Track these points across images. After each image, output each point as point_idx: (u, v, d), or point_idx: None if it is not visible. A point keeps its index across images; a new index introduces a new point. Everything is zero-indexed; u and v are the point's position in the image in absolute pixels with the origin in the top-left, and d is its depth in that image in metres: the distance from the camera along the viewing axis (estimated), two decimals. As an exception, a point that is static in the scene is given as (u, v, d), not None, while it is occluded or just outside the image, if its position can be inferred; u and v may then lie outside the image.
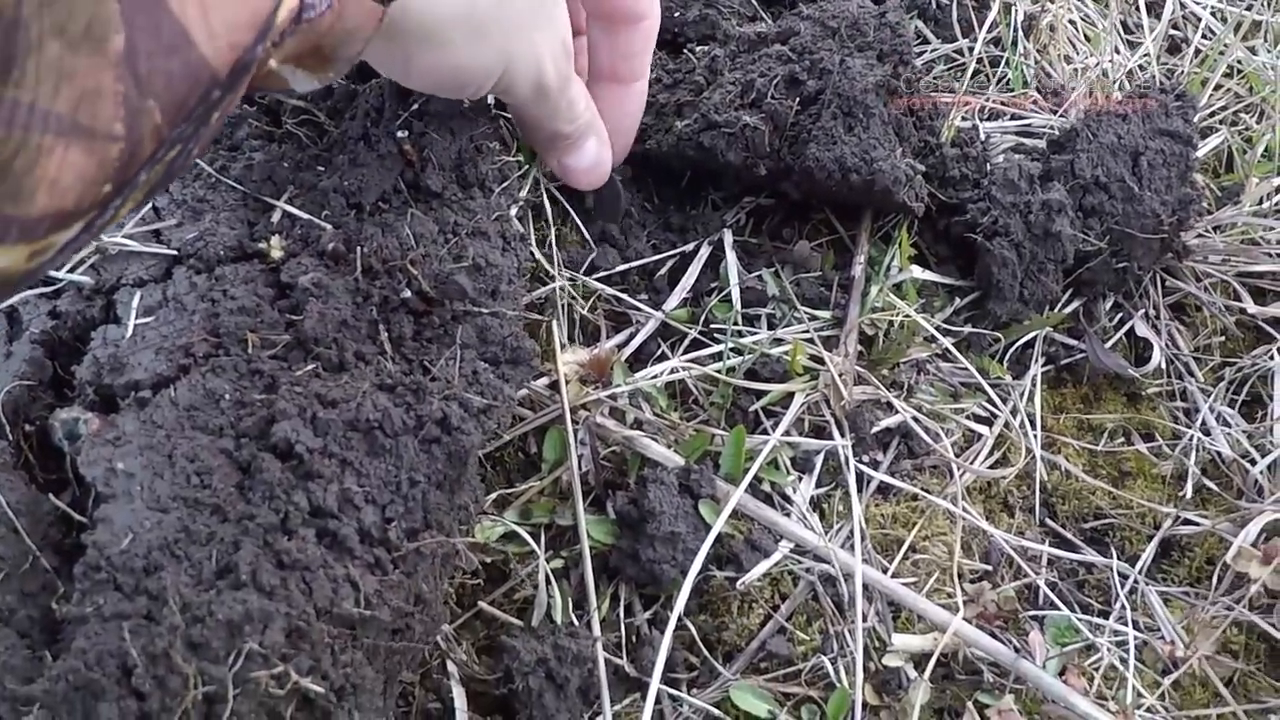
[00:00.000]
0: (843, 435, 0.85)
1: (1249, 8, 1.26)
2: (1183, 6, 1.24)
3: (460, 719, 0.74)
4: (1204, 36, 1.23)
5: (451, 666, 0.76)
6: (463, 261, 0.74)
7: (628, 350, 0.89)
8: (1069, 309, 0.96)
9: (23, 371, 0.75)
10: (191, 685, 0.55)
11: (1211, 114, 1.14)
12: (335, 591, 0.59)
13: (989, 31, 1.12)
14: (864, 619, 0.77)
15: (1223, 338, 1.00)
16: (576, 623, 0.77)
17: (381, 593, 0.60)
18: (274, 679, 0.56)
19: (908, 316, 0.89)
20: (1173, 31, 1.23)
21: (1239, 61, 1.18)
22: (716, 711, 0.75)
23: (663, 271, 0.94)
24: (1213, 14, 1.25)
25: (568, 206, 0.93)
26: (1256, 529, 0.84)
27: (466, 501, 0.69)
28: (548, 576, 0.78)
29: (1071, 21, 1.15)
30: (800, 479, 0.84)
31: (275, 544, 0.59)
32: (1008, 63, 1.10)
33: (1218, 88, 1.15)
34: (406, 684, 0.76)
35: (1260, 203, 1.05)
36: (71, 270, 0.79)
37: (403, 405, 0.66)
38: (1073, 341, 0.96)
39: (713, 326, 0.90)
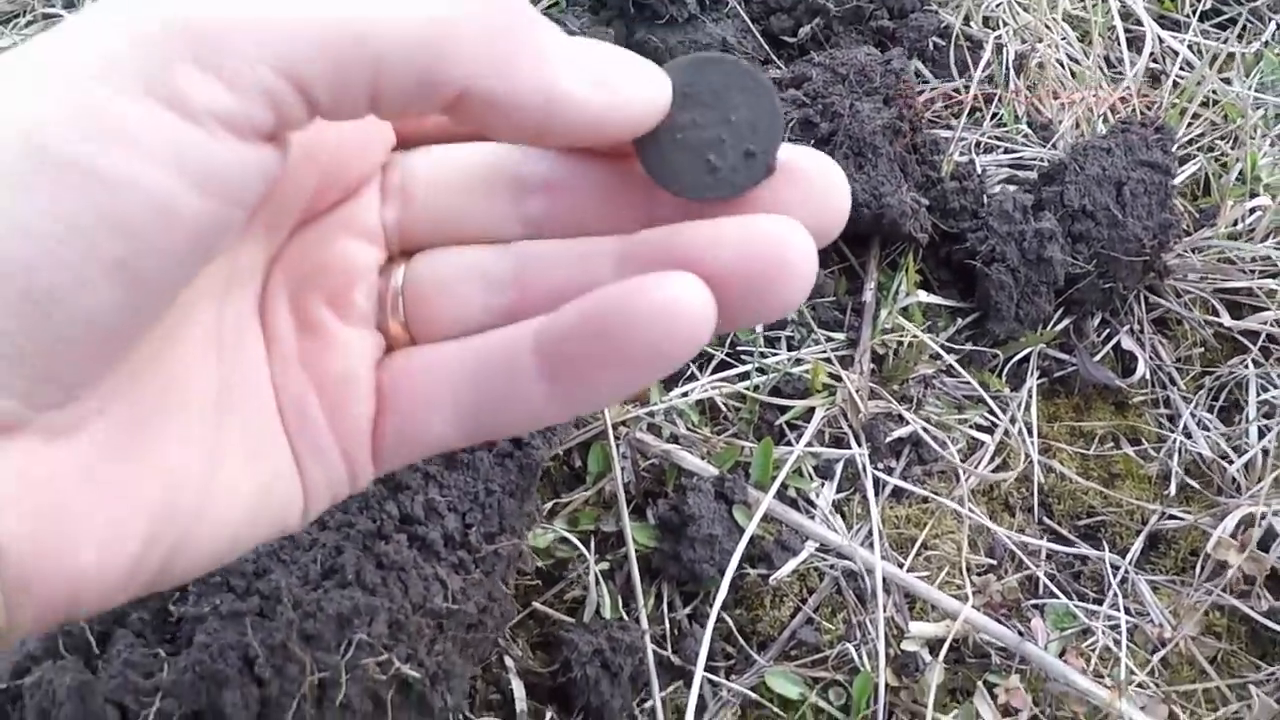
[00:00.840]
0: (860, 445, 0.94)
1: (1224, 41, 1.35)
2: (1161, 41, 1.33)
3: (520, 706, 0.82)
4: (1182, 69, 1.31)
5: (509, 661, 0.85)
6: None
7: (661, 371, 0.97)
8: (1060, 326, 1.05)
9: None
10: (308, 672, 0.63)
11: (1190, 141, 1.23)
12: (427, 589, 0.67)
13: (983, 70, 1.21)
14: (883, 609, 0.86)
15: (1202, 349, 1.08)
16: (626, 617, 0.85)
17: (465, 589, 0.69)
18: (379, 666, 0.64)
19: (915, 337, 0.98)
20: (1153, 65, 1.32)
21: (1214, 92, 1.27)
22: (754, 695, 0.83)
23: (690, 298, 1.02)
24: (1190, 48, 1.34)
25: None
26: (1234, 521, 0.93)
27: (532, 509, 0.78)
28: (597, 577, 0.86)
29: (1059, 61, 1.25)
30: (823, 485, 0.92)
31: (374, 548, 0.67)
32: (1000, 100, 1.19)
33: (1195, 116, 1.24)
34: (469, 678, 0.84)
35: (1235, 224, 1.14)
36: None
37: (476, 425, 0.74)
38: (1064, 356, 1.05)
39: (738, 348, 0.99)
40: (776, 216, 0.34)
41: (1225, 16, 1.41)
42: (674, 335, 0.32)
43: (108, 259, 0.28)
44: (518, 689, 0.83)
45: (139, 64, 0.28)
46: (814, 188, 0.35)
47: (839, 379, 0.95)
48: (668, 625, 0.86)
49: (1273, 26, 1.38)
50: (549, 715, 0.82)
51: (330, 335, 0.37)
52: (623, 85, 0.33)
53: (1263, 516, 0.91)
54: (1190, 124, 1.24)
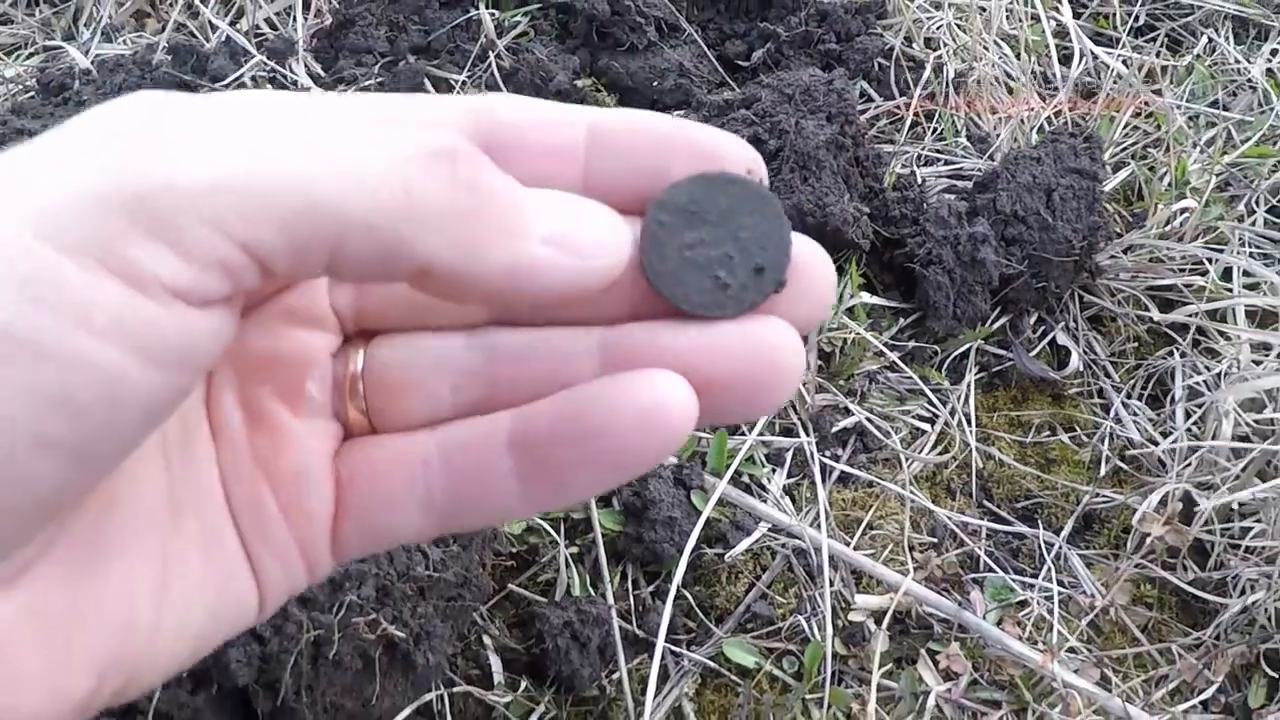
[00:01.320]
0: (808, 434, 1.01)
1: (1156, 54, 1.44)
2: (1095, 57, 1.42)
3: (497, 678, 0.89)
4: (1115, 82, 1.40)
5: (488, 640, 0.92)
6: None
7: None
8: (997, 324, 1.13)
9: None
10: (304, 630, 0.70)
11: (1123, 149, 1.31)
12: (409, 558, 0.75)
13: (924, 89, 1.30)
14: (831, 584, 0.93)
15: (1135, 344, 1.16)
16: (594, 594, 0.92)
17: (444, 560, 0.76)
18: (368, 625, 0.71)
19: (859, 335, 1.06)
20: (1088, 80, 1.41)
21: (1146, 103, 1.35)
22: (713, 664, 0.90)
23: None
24: (1124, 63, 1.42)
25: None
26: (1158, 497, 1.00)
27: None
28: (567, 560, 0.93)
29: (996, 78, 1.33)
30: (774, 471, 1.00)
31: (361, 524, 0.75)
32: (940, 116, 1.28)
33: (1131, 127, 1.32)
34: (449, 656, 0.91)
35: (1165, 225, 1.22)
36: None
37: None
38: (1002, 351, 1.13)
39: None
40: (772, 322, 0.33)
41: (1159, 31, 1.50)
42: (655, 439, 0.31)
43: (50, 438, 0.26)
44: (495, 663, 0.90)
45: (87, 229, 0.26)
46: (812, 286, 0.35)
47: (789, 374, 1.03)
48: (632, 602, 0.93)
49: (1204, 40, 1.47)
50: (524, 685, 0.89)
51: (282, 429, 0.35)
52: (586, 243, 0.32)
53: (1178, 489, 0.99)
54: (1122, 133, 1.32)
